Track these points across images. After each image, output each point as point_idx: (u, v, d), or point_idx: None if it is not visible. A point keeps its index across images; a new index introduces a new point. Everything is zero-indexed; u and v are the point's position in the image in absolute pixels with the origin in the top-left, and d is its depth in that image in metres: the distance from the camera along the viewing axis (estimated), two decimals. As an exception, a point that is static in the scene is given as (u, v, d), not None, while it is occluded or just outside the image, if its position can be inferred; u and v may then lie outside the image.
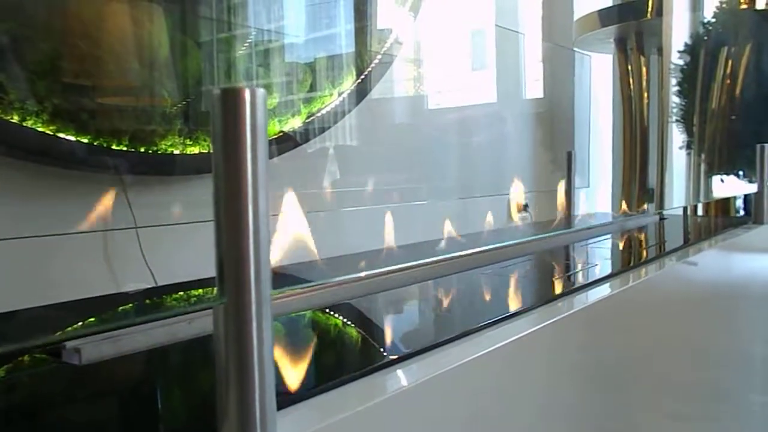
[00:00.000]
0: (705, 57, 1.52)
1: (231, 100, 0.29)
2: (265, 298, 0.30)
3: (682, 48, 1.50)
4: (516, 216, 1.28)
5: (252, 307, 0.30)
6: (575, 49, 1.61)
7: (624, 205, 1.49)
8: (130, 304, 0.55)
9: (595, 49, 1.64)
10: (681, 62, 1.50)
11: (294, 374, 0.42)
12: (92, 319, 0.52)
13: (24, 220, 0.69)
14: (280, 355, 0.45)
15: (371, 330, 0.56)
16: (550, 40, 1.62)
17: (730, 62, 1.56)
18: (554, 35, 1.62)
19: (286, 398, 0.36)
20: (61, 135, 0.73)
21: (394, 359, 0.43)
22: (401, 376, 0.41)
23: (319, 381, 0.40)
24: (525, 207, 1.30)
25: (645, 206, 1.44)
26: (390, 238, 0.70)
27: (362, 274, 0.59)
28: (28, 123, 0.71)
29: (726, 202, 1.71)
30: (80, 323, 0.50)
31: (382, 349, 0.50)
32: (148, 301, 0.57)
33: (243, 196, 0.29)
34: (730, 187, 1.61)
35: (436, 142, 1.29)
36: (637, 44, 1.52)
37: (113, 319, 0.51)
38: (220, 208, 0.29)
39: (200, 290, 0.62)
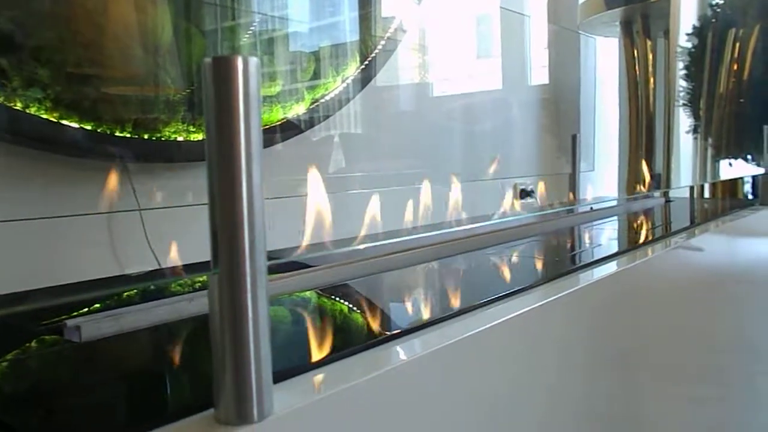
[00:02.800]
0: (713, 39, 1.50)
1: (223, 68, 0.29)
2: (260, 268, 0.30)
3: (689, 30, 1.48)
4: (519, 200, 1.27)
5: (246, 277, 0.30)
6: (580, 32, 1.59)
7: (630, 189, 1.48)
8: (132, 285, 0.55)
9: (600, 33, 1.62)
10: (688, 45, 1.48)
11: (293, 349, 0.42)
12: (96, 302, 0.52)
13: (24, 204, 0.69)
14: (283, 331, 0.45)
15: (372, 307, 0.56)
16: (555, 24, 1.60)
17: (738, 45, 1.54)
18: (559, 19, 1.61)
19: (284, 372, 0.36)
20: (65, 122, 0.73)
21: (391, 335, 0.43)
22: (398, 352, 0.41)
23: (317, 356, 0.40)
24: (530, 192, 1.30)
25: (650, 188, 1.43)
26: (390, 220, 0.70)
27: (362, 247, 0.58)
28: (32, 110, 0.71)
29: (733, 186, 1.69)
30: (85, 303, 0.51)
31: (380, 325, 0.50)
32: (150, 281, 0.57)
33: (236, 165, 0.29)
34: (736, 170, 1.59)
35: (441, 129, 1.29)
36: (643, 27, 1.50)
37: (115, 298, 0.51)
38: (214, 177, 0.29)
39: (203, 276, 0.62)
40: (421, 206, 0.75)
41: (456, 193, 0.82)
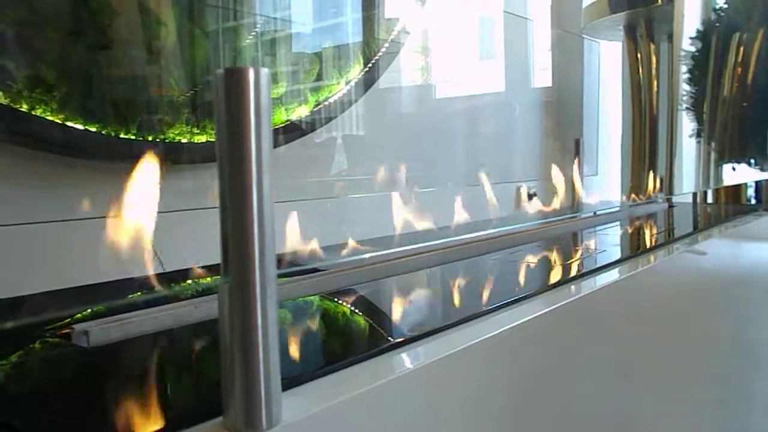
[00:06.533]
0: (716, 43, 1.50)
1: (235, 79, 0.29)
2: (270, 277, 0.30)
3: (693, 34, 1.48)
4: (523, 204, 1.27)
5: (256, 286, 0.30)
6: (584, 35, 1.59)
7: (633, 193, 1.48)
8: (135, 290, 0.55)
9: (604, 37, 1.62)
10: (692, 49, 1.48)
11: (300, 356, 0.42)
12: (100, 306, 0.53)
13: (27, 206, 0.69)
14: (288, 338, 0.45)
15: (378, 314, 0.56)
16: (558, 28, 1.61)
17: (742, 49, 1.54)
18: (563, 23, 1.61)
19: (292, 379, 0.36)
20: (70, 124, 0.73)
21: (400, 342, 0.43)
22: (406, 359, 0.41)
23: (324, 363, 0.40)
24: (530, 196, 1.30)
25: (654, 193, 1.44)
26: (397, 224, 0.70)
27: (367, 255, 0.59)
28: (37, 112, 0.71)
29: (737, 191, 1.69)
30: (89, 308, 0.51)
31: (386, 332, 0.50)
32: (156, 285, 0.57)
33: (247, 176, 0.29)
34: (740, 175, 1.59)
35: (444, 132, 1.29)
36: (647, 31, 1.51)
37: (121, 302, 0.51)
38: (225, 188, 0.29)
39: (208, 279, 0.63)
40: (424, 210, 0.75)
41: (457, 196, 0.82)
